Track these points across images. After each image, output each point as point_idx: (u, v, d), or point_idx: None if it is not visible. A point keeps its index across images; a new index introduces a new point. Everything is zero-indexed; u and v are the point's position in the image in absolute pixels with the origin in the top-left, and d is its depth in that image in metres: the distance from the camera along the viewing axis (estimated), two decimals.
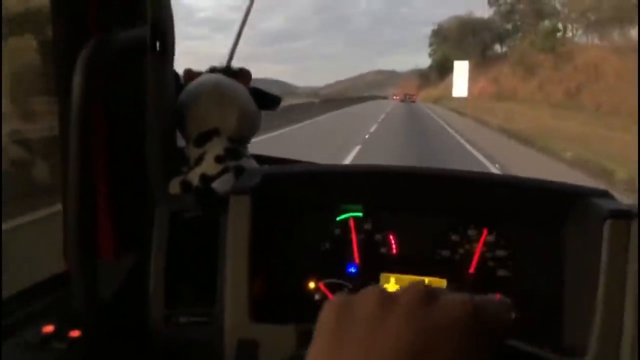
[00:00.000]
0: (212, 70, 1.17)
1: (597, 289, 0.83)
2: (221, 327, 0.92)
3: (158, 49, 0.99)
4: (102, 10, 0.99)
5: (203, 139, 1.07)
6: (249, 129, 1.12)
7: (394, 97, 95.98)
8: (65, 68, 0.93)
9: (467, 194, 1.01)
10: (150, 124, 1.01)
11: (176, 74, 1.13)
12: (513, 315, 0.38)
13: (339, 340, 0.34)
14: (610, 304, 0.82)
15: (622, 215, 0.84)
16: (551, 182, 1.01)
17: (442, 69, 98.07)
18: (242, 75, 1.16)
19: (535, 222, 0.99)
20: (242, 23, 1.32)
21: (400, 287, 0.38)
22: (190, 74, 1.16)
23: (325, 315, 0.36)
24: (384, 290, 0.36)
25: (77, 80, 0.85)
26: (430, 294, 0.35)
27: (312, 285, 1.04)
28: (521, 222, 0.99)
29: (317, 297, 1.02)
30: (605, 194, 0.94)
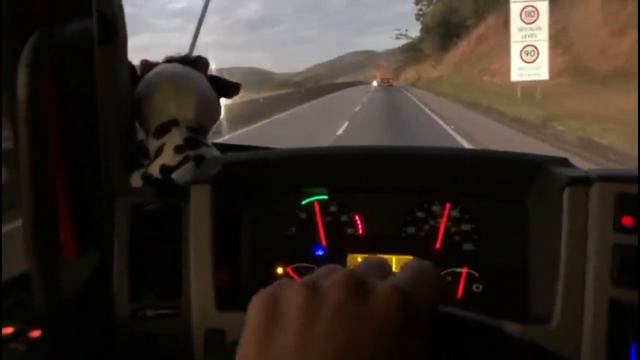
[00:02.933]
0: (169, 60, 1.15)
1: (560, 255, 0.84)
2: (188, 319, 0.92)
3: (107, 40, 0.97)
4: (46, 2, 0.96)
5: (162, 130, 1.05)
6: (208, 117, 1.11)
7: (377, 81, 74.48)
8: (10, 61, 0.90)
9: (429, 171, 1.01)
10: (105, 117, 0.99)
11: (132, 66, 1.11)
12: (442, 280, 0.38)
13: (265, 344, 0.33)
14: (572, 270, 0.83)
15: (581, 181, 0.85)
16: (511, 153, 1.02)
17: (446, 34, 54.40)
18: (200, 63, 1.14)
19: (498, 195, 0.99)
20: (202, 13, 1.31)
21: (331, 273, 0.36)
22: (146, 65, 1.14)
23: (251, 314, 0.35)
24: (312, 283, 0.34)
25: (22, 74, 0.82)
26: (360, 286, 0.34)
27: (280, 270, 1.03)
28: (484, 196, 0.99)
29: None
30: (564, 162, 0.94)
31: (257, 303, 0.35)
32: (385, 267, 0.39)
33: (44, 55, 0.84)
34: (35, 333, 0.81)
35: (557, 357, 0.41)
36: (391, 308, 0.33)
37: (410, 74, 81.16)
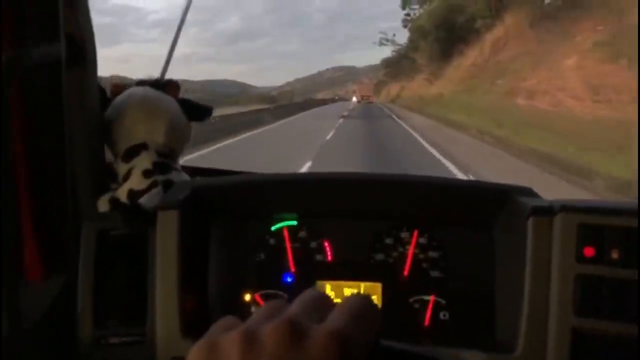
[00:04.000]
0: (140, 83, 1.14)
1: (524, 284, 0.85)
2: (153, 346, 0.90)
3: (76, 62, 0.97)
4: (15, 24, 0.95)
5: (131, 153, 1.05)
6: (178, 141, 1.11)
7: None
8: None
9: (397, 197, 1.02)
10: (73, 139, 0.98)
11: (102, 89, 1.11)
12: (378, 313, 0.38)
13: None
14: (535, 299, 0.84)
15: (544, 211, 0.86)
16: (478, 182, 1.03)
17: (447, 39, 39.22)
18: (171, 87, 1.14)
19: (465, 223, 1.00)
20: (178, 29, 1.30)
21: (270, 318, 0.37)
22: (117, 88, 1.13)
23: None
24: (249, 333, 0.34)
25: None
26: (296, 332, 0.34)
27: (247, 297, 1.03)
28: (451, 223, 1.00)
29: (253, 309, 1.01)
30: (529, 192, 0.96)
31: (196, 352, 0.35)
32: (325, 304, 0.39)
33: (13, 78, 0.83)
34: None
35: None
36: (327, 354, 0.33)
37: (394, 89, 72.05)
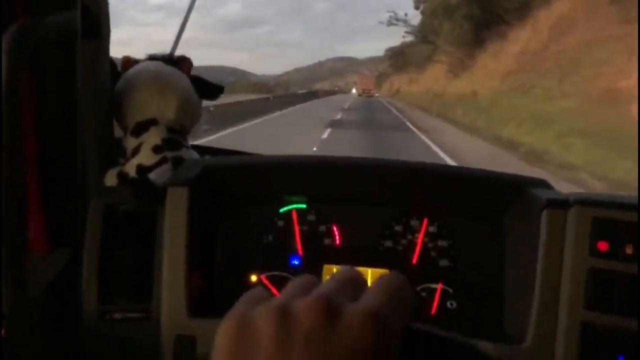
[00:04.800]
0: (152, 57, 1.13)
1: (535, 276, 0.85)
2: (158, 323, 0.90)
3: (91, 34, 0.95)
4: None
5: (141, 128, 1.03)
6: (189, 119, 1.09)
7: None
8: None
9: (409, 185, 1.01)
10: (83, 113, 0.97)
11: (113, 62, 1.09)
12: (413, 294, 0.38)
13: None
14: (546, 292, 0.84)
15: (559, 204, 0.86)
16: (493, 172, 1.02)
17: (482, 20, 26.45)
18: (183, 63, 1.12)
19: (476, 213, 0.99)
20: (188, 10, 1.29)
21: (304, 294, 0.36)
22: (128, 62, 1.12)
23: (222, 336, 0.34)
24: (283, 308, 0.34)
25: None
26: (332, 309, 0.33)
27: (254, 278, 1.02)
28: (463, 213, 1.00)
29: None
30: (543, 184, 0.95)
31: (227, 327, 0.34)
32: (358, 282, 0.39)
33: (24, 49, 0.82)
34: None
35: None
36: (363, 333, 0.33)
37: (397, 83, 66.50)
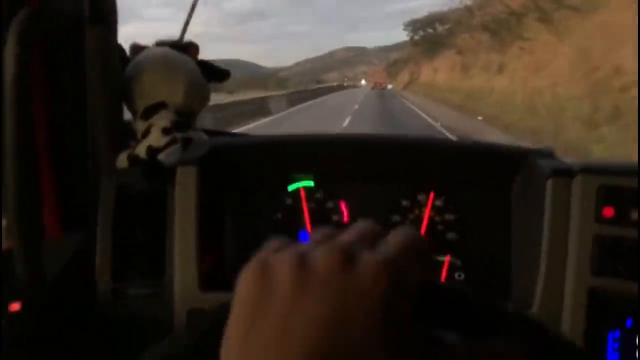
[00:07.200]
0: (160, 44, 1.15)
1: (542, 245, 0.85)
2: (171, 299, 0.92)
3: (98, 20, 0.97)
4: None
5: (150, 111, 1.05)
6: (197, 101, 1.11)
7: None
8: None
9: (415, 160, 1.02)
10: (93, 97, 0.99)
11: (121, 48, 1.11)
12: (427, 249, 0.39)
13: (256, 312, 0.34)
14: (553, 259, 0.85)
15: (563, 173, 0.87)
16: (496, 144, 1.03)
17: None
18: (190, 48, 1.14)
19: (482, 185, 1.00)
20: (194, 2, 1.31)
21: (322, 243, 0.37)
22: (136, 48, 1.13)
23: (244, 280, 0.36)
24: (302, 254, 0.35)
25: (10, 53, 0.82)
26: (347, 258, 0.35)
27: None
28: (468, 186, 1.01)
29: None
30: (549, 154, 0.96)
31: (248, 271, 0.36)
32: (377, 234, 0.40)
33: (33, 34, 0.83)
34: (15, 306, 0.81)
35: (545, 329, 0.43)
36: (378, 280, 0.34)
37: (414, 72, 57.96)
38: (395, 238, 0.39)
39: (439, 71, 41.42)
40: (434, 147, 1.04)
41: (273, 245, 0.38)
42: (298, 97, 30.24)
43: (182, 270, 0.92)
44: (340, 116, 20.53)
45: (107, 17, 1.01)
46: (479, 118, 18.58)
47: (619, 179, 0.84)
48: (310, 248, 0.37)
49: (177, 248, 0.92)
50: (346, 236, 0.39)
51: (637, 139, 6.60)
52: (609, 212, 0.83)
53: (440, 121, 18.05)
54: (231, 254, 1.03)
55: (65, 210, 1.01)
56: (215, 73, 1.17)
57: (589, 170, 0.86)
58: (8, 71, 0.80)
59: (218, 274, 0.97)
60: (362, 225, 0.41)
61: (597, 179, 0.84)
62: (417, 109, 25.79)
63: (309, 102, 29.91)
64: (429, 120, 19.40)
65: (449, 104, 26.42)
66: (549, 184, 0.87)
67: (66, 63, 1.01)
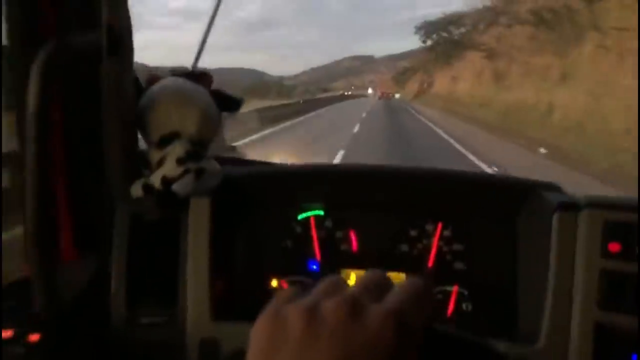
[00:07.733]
0: (174, 73, 1.17)
1: (548, 278, 0.87)
2: (183, 327, 0.94)
3: (115, 52, 0.99)
4: (57, 14, 0.98)
5: (164, 141, 1.07)
6: (210, 131, 1.13)
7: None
8: (19, 73, 0.92)
9: (423, 190, 1.04)
10: (109, 126, 1.01)
11: (136, 78, 1.13)
12: (434, 296, 0.41)
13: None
14: (559, 293, 0.86)
15: (570, 207, 0.88)
16: (504, 176, 1.05)
17: None
18: (204, 78, 1.16)
19: (489, 216, 1.02)
20: (209, 26, 1.33)
21: (331, 293, 0.39)
22: (151, 78, 1.16)
23: (258, 330, 0.38)
24: (312, 306, 0.38)
25: (33, 85, 0.84)
26: (356, 307, 0.37)
27: (274, 282, 1.06)
28: (476, 217, 1.02)
29: None
30: (555, 188, 0.98)
31: (262, 322, 0.38)
32: (384, 284, 0.42)
33: (55, 68, 0.86)
34: (34, 337, 0.83)
35: None
36: (385, 331, 0.36)
37: (424, 81, 51.75)
38: (401, 289, 0.41)
39: (460, 80, 34.99)
40: (442, 177, 1.06)
41: (285, 294, 0.41)
42: (274, 115, 22.09)
43: (194, 298, 0.94)
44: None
45: (123, 48, 1.04)
46: (541, 151, 12.11)
47: (625, 214, 0.85)
48: (320, 299, 0.39)
49: (190, 277, 0.94)
50: (355, 288, 0.41)
51: (637, 158, 6.28)
52: (614, 247, 0.84)
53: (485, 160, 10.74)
54: (242, 282, 1.05)
55: (81, 236, 1.04)
56: (228, 102, 1.19)
57: (595, 205, 0.87)
58: (31, 104, 0.83)
59: (229, 302, 0.99)
60: (371, 275, 0.43)
61: (603, 213, 0.86)
62: (437, 129, 18.80)
63: (288, 122, 22.14)
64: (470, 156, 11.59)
65: (479, 124, 19.67)
66: (556, 217, 0.88)
67: (83, 93, 1.04)
